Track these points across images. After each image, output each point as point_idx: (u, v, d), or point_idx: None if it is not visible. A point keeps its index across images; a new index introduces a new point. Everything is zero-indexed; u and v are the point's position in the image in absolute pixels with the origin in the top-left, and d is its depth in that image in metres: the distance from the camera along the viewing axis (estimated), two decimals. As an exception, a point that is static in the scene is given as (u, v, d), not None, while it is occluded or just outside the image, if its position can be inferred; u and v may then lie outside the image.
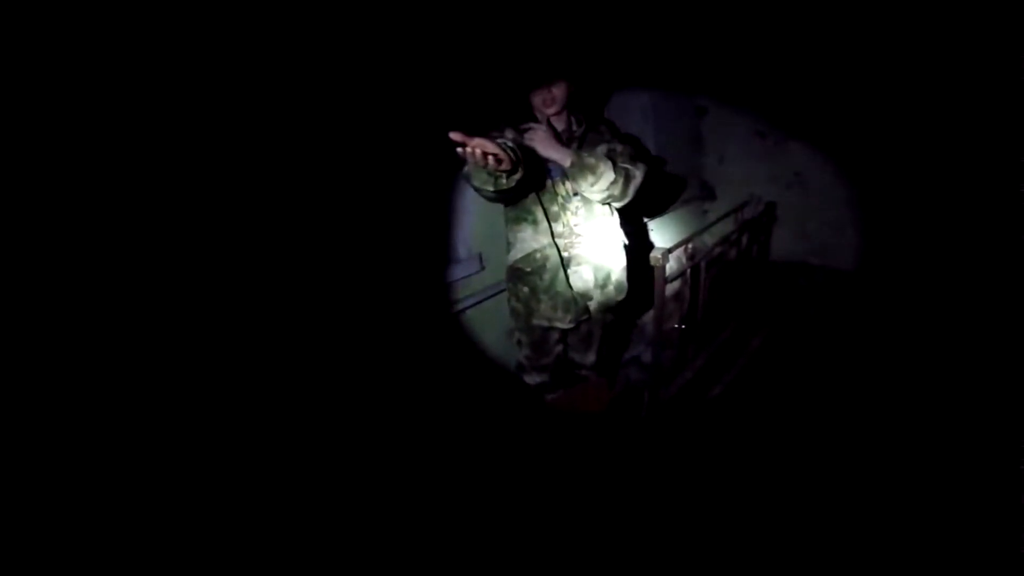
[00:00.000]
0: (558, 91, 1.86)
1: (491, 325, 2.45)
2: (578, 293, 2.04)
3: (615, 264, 2.08)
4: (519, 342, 2.20)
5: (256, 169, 1.75)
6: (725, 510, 1.75)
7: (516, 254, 2.01)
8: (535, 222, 1.97)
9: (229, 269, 1.72)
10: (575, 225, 1.99)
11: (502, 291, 2.34)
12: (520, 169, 1.64)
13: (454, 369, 2.32)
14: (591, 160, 1.82)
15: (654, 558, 1.62)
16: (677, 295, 2.32)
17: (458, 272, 2.41)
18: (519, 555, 1.63)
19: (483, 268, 2.48)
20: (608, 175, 1.82)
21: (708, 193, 3.33)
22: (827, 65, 2.86)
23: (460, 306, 2.40)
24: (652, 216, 2.94)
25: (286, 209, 1.85)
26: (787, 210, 3.22)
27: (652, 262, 1.97)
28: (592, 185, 1.84)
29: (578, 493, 1.83)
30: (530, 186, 1.91)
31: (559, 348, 2.21)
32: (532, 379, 2.25)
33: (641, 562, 1.61)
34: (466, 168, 1.69)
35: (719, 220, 2.50)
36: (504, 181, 1.62)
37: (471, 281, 2.46)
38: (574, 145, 1.94)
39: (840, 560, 1.57)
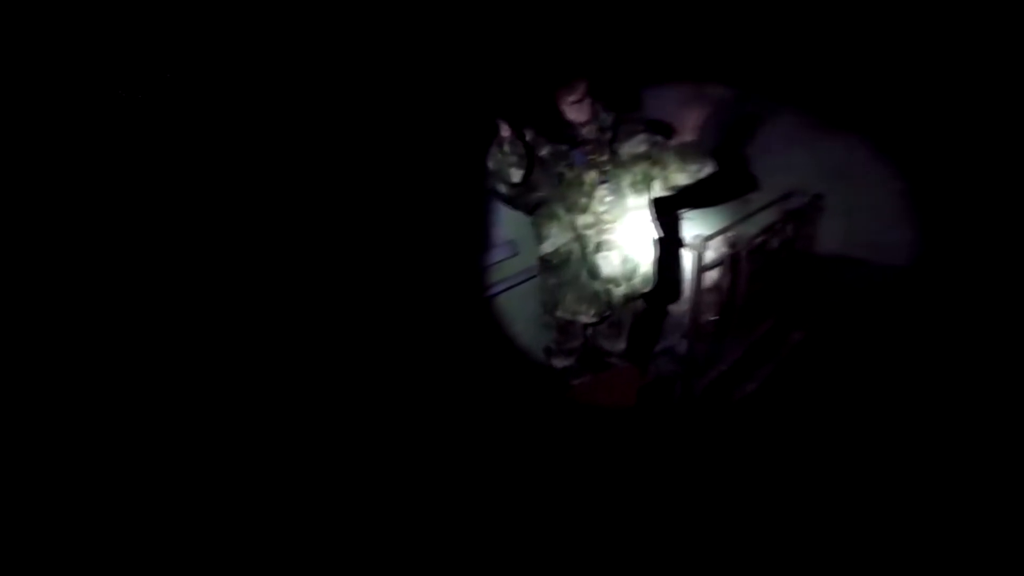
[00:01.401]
0: (578, 87, 1.88)
1: (522, 310, 2.45)
2: (605, 279, 2.03)
3: (644, 256, 2.07)
4: (547, 325, 2.19)
5: (315, 162, 1.86)
6: (750, 510, 1.69)
7: (546, 247, 2.04)
8: (559, 219, 2.00)
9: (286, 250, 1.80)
10: (603, 212, 1.98)
11: (533, 277, 2.33)
12: (524, 166, 1.84)
13: (485, 353, 2.32)
14: (704, 149, 1.90)
15: (679, 553, 1.59)
16: (715, 285, 2.24)
17: (492, 257, 2.42)
18: (537, 546, 1.60)
19: (516, 254, 2.48)
20: (710, 167, 1.91)
21: (750, 183, 3.22)
22: (881, 49, 2.71)
23: (493, 290, 2.41)
24: (692, 206, 2.86)
25: (339, 197, 1.91)
26: (835, 202, 3.08)
27: (689, 249, 1.92)
28: (697, 172, 1.91)
29: (601, 487, 1.80)
30: (543, 192, 2.00)
31: (587, 333, 2.19)
32: (559, 362, 2.24)
33: (666, 558, 1.58)
34: (489, 162, 1.87)
35: (761, 209, 2.41)
36: (512, 171, 1.84)
37: (503, 266, 2.46)
38: (607, 135, 1.95)
39: (871, 564, 1.50)
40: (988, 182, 2.66)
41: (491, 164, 1.86)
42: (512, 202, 2.03)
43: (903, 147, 2.86)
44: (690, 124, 1.88)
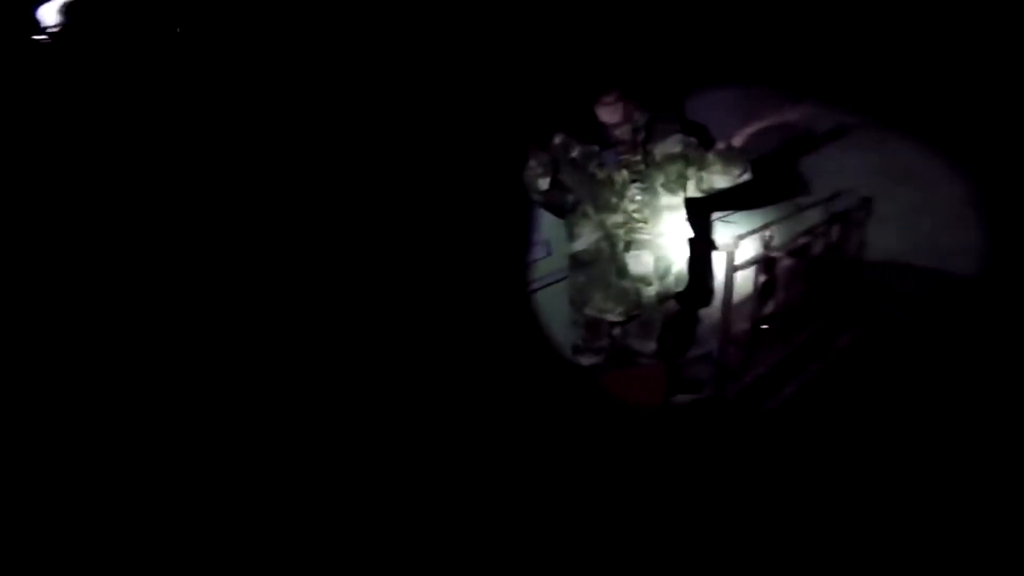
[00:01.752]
0: (611, 94, 1.93)
1: (553, 309, 2.48)
2: (635, 277, 2.04)
3: (677, 255, 2.07)
4: (575, 322, 2.22)
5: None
6: (772, 517, 1.64)
7: (578, 245, 2.09)
8: (589, 218, 2.05)
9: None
10: (633, 211, 2.00)
11: (565, 278, 2.36)
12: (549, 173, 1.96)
13: (518, 350, 2.36)
14: (748, 155, 1.93)
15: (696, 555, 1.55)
16: (751, 288, 2.20)
17: (528, 256, 2.47)
18: (549, 544, 1.60)
19: (550, 254, 2.52)
20: (749, 175, 1.93)
21: (801, 186, 3.11)
22: (943, 45, 2.56)
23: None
24: (736, 208, 2.81)
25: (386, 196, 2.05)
26: (893, 206, 2.92)
27: (722, 248, 1.91)
28: (738, 176, 1.92)
29: (621, 487, 1.78)
30: (576, 193, 2.07)
31: (615, 332, 2.20)
32: (587, 360, 2.25)
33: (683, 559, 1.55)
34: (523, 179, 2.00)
35: (803, 211, 2.34)
36: (539, 181, 1.97)
37: (538, 266, 2.51)
38: (640, 135, 1.98)
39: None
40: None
41: (524, 179, 2.00)
42: (548, 206, 2.12)
43: (969, 148, 2.68)
44: (739, 129, 1.88)
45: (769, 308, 2.14)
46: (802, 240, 2.11)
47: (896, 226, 2.93)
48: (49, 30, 1.68)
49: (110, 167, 1.76)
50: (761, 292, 2.09)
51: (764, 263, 2.05)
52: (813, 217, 2.32)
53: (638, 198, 1.99)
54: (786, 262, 2.09)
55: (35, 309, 1.60)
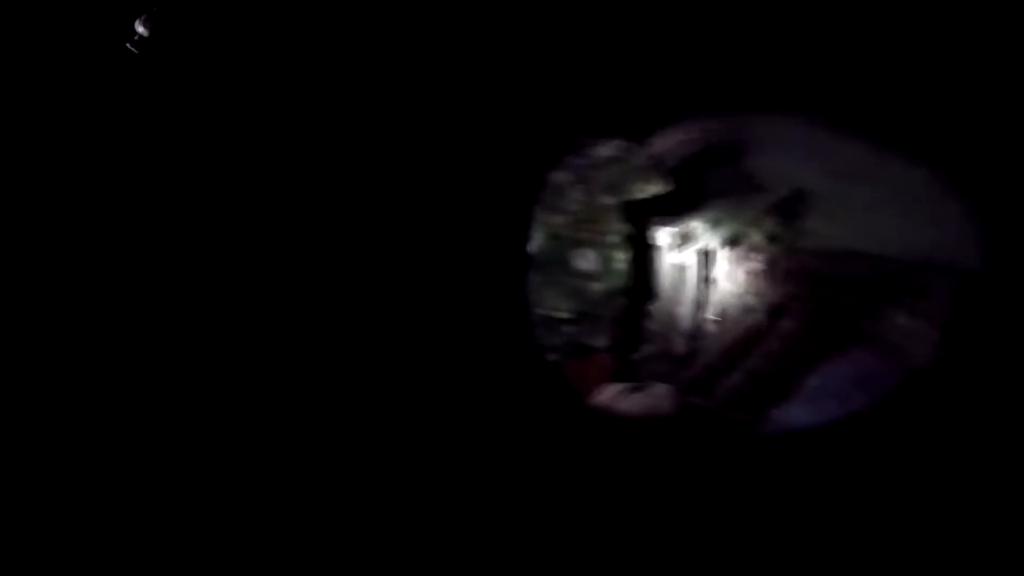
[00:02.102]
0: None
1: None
2: (582, 276, 2.13)
3: (621, 253, 2.19)
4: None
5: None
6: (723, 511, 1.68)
7: (528, 247, 2.19)
8: (537, 219, 2.17)
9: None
10: (577, 212, 2.13)
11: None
12: None
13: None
14: (663, 171, 2.12)
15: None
16: (693, 281, 2.29)
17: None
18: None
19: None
20: (669, 186, 2.14)
21: (750, 187, 3.21)
22: (887, 42, 2.67)
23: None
24: (675, 207, 2.90)
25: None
26: (848, 201, 3.02)
27: (655, 242, 2.00)
28: (655, 191, 2.14)
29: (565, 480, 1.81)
30: None
31: (568, 330, 2.28)
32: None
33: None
34: None
35: (743, 205, 2.43)
36: None
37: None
38: None
39: None
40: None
41: None
42: None
43: (915, 140, 2.77)
44: (656, 146, 2.04)
45: (713, 300, 2.23)
46: (737, 232, 2.21)
47: (847, 219, 3.03)
48: (137, 39, 1.77)
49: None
50: (703, 285, 2.18)
51: (703, 256, 2.14)
52: (752, 210, 2.41)
53: (581, 199, 2.11)
54: (725, 254, 2.18)
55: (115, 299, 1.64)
